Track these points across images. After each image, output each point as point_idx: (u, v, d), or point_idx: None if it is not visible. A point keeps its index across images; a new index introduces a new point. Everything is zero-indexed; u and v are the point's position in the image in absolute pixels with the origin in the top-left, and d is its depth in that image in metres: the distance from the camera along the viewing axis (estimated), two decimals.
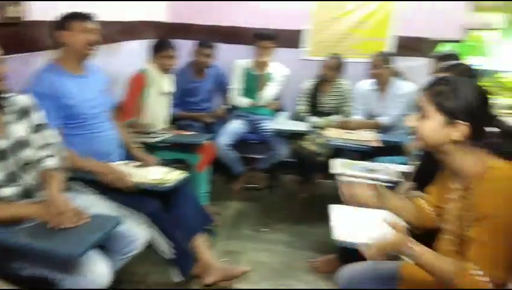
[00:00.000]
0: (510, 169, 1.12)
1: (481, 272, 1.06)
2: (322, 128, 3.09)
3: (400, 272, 1.38)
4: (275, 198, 3.27)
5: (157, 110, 2.71)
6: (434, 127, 1.18)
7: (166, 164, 2.21)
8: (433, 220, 1.40)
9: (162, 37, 2.94)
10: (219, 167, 3.17)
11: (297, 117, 3.29)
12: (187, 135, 2.76)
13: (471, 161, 1.17)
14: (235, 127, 3.23)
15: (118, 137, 2.13)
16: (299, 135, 3.06)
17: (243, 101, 3.32)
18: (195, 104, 3.27)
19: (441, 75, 2.05)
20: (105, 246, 1.51)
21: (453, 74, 1.87)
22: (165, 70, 2.68)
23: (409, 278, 1.35)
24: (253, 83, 3.28)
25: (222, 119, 3.35)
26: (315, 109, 3.24)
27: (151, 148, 2.47)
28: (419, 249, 1.17)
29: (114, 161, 2.02)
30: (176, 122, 3.03)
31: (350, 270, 1.49)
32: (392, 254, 1.22)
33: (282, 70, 3.29)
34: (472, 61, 2.56)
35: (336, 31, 3.39)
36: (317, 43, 3.42)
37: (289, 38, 3.42)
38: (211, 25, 3.55)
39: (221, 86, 3.43)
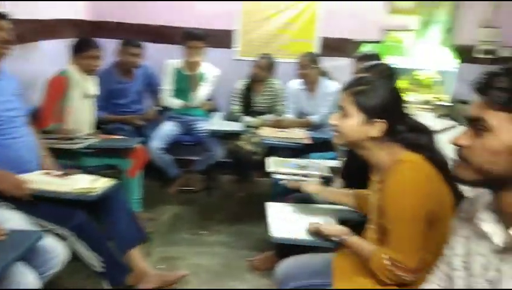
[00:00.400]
0: (417, 161, 1.21)
1: (387, 256, 1.16)
2: (256, 127, 3.13)
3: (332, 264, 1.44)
4: (212, 199, 3.23)
5: (81, 114, 2.54)
6: (354, 125, 1.26)
7: (93, 171, 2.08)
8: None
9: (84, 36, 2.76)
10: (152, 171, 3.07)
11: (231, 117, 3.29)
12: (116, 139, 2.62)
13: (386, 155, 1.27)
14: (168, 129, 3.14)
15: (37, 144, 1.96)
16: (234, 135, 3.06)
17: (175, 102, 3.23)
18: (124, 106, 3.12)
19: (363, 74, 2.20)
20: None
21: (373, 73, 2.01)
22: (89, 71, 2.51)
23: (340, 268, 1.40)
24: (185, 83, 3.21)
25: (153, 122, 3.24)
26: (249, 108, 3.27)
27: (75, 155, 2.30)
28: (350, 238, 1.34)
29: (33, 170, 1.85)
30: (103, 126, 2.87)
31: (287, 266, 1.51)
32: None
33: (213, 71, 3.26)
34: (391, 60, 2.74)
35: (265, 32, 3.45)
36: (248, 43, 3.45)
37: (220, 38, 3.41)
38: (138, 23, 3.41)
39: (151, 87, 3.31)
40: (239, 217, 2.92)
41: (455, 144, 0.81)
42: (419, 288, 1.06)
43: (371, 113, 1.24)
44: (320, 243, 1.45)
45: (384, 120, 1.23)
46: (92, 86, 2.58)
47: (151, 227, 2.61)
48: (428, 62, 3.27)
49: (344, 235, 1.36)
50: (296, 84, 3.19)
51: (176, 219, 2.87)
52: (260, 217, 2.84)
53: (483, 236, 0.83)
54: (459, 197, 1.28)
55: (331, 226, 1.44)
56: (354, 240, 1.33)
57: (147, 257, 2.36)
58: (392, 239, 1.19)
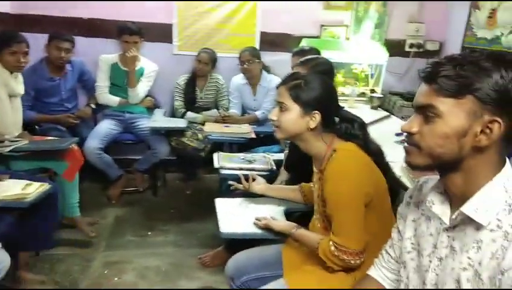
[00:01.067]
0: (350, 149, 1.30)
1: (332, 242, 1.22)
2: (200, 123, 3.09)
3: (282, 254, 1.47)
4: (157, 199, 3.13)
5: (8, 115, 2.31)
6: (293, 118, 1.32)
7: (24, 176, 1.93)
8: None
9: (7, 30, 2.52)
10: (92, 172, 2.90)
11: (174, 113, 3.22)
12: (48, 141, 2.42)
13: (323, 146, 1.34)
14: (106, 127, 2.98)
15: None
16: (178, 132, 2.99)
17: (112, 100, 3.08)
18: (55, 105, 2.90)
19: (300, 69, 2.27)
20: None
21: (310, 67, 2.07)
22: (14, 68, 2.29)
23: (289, 258, 1.44)
24: (122, 79, 3.06)
25: (89, 121, 3.06)
26: (192, 104, 3.20)
27: (4, 159, 2.11)
28: (296, 231, 1.39)
29: None
30: (33, 127, 2.66)
31: (237, 260, 1.53)
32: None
33: (151, 66, 3.14)
34: (328, 55, 2.84)
35: (204, 26, 3.37)
36: (187, 37, 3.37)
37: (158, 32, 3.29)
38: (67, 16, 3.18)
39: (84, 84, 3.13)
40: (187, 215, 2.87)
41: (405, 131, 0.84)
42: (367, 273, 1.11)
43: (307, 106, 1.30)
44: (269, 235, 1.47)
45: (319, 112, 1.30)
46: (18, 84, 2.36)
47: (93, 232, 2.48)
48: (362, 56, 3.44)
49: (292, 229, 1.40)
50: (239, 79, 3.19)
51: (120, 222, 2.75)
52: (208, 214, 2.83)
53: (433, 217, 0.89)
54: (393, 181, 1.39)
55: (279, 222, 1.46)
56: (301, 232, 1.39)
57: (91, 263, 2.26)
58: (335, 225, 1.24)
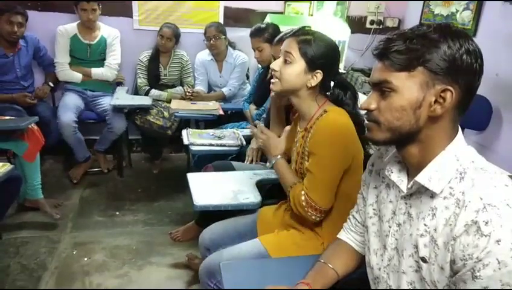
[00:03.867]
0: (340, 114, 1.31)
1: (303, 193, 1.28)
2: (166, 101, 3.04)
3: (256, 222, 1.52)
4: (124, 179, 3.07)
5: None
6: (297, 72, 1.31)
7: None
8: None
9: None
10: (54, 152, 2.80)
11: (137, 91, 3.13)
12: (5, 120, 2.31)
13: (315, 106, 1.35)
14: (75, 100, 2.88)
15: None
16: (143, 110, 2.93)
17: (76, 76, 2.95)
18: (10, 83, 2.74)
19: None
20: None
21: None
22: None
23: (263, 225, 1.50)
24: (84, 52, 2.94)
25: (47, 99, 2.93)
26: (156, 82, 3.12)
27: None
28: (281, 160, 1.44)
29: None
30: None
31: (211, 232, 1.55)
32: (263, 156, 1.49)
33: (112, 32, 3.02)
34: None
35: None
36: (148, 11, 3.25)
37: (118, 6, 3.15)
38: None
39: (41, 61, 2.96)
40: (155, 194, 2.85)
41: (365, 109, 0.87)
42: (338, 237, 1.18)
43: (312, 63, 1.29)
44: (241, 207, 1.50)
45: (322, 71, 1.30)
46: None
47: (57, 213, 2.42)
48: (326, 32, 3.48)
49: (279, 154, 1.46)
50: (204, 55, 3.14)
51: (85, 203, 2.69)
52: (177, 192, 2.85)
53: (392, 185, 0.95)
54: (366, 152, 1.44)
55: (270, 143, 1.50)
56: (283, 164, 1.44)
57: (58, 244, 2.21)
58: (311, 180, 1.28)
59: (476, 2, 2.77)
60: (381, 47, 0.82)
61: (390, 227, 0.92)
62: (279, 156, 1.45)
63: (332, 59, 1.33)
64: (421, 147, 0.84)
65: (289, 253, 1.33)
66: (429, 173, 0.82)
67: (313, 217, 1.28)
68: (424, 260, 0.82)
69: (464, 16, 2.91)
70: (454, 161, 0.81)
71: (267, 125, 2.06)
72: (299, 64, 1.30)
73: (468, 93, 0.80)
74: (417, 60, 0.78)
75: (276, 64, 1.35)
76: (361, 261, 1.13)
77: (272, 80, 1.39)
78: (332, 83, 1.41)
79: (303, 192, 1.28)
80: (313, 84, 1.31)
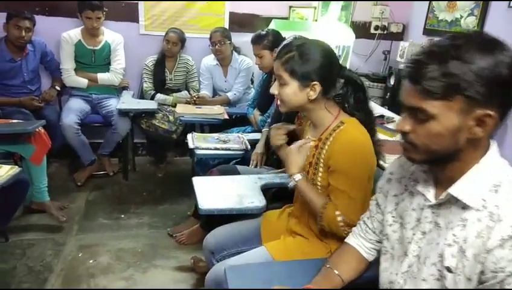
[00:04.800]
0: (358, 127, 1.28)
1: (340, 213, 1.23)
2: (171, 105, 3.06)
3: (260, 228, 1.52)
4: (129, 183, 3.08)
5: None
6: (293, 91, 1.28)
7: None
8: None
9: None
10: (60, 156, 2.83)
11: (143, 96, 3.16)
12: (12, 124, 2.34)
13: (328, 114, 1.32)
14: (79, 104, 2.91)
15: None
16: (148, 114, 2.95)
17: (81, 82, 2.98)
18: (18, 87, 2.79)
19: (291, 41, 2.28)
20: None
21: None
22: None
23: (268, 231, 1.49)
24: (89, 57, 2.97)
25: (54, 103, 2.97)
26: (162, 86, 3.15)
27: None
28: (302, 181, 1.32)
29: None
30: None
31: (216, 236, 1.55)
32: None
33: (116, 37, 3.05)
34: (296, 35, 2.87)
35: (171, 5, 3.29)
36: (154, 16, 3.28)
37: (124, 11, 3.18)
38: None
39: (48, 65, 3.00)
40: (160, 198, 2.86)
41: (400, 131, 0.85)
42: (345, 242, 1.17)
43: (304, 79, 1.26)
44: (246, 211, 1.50)
45: (319, 82, 1.26)
46: None
47: (63, 216, 2.44)
48: (330, 37, 3.50)
49: (300, 173, 1.34)
50: (209, 60, 3.17)
51: (91, 206, 2.71)
52: (182, 196, 2.87)
53: (416, 194, 0.93)
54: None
55: (295, 160, 1.36)
56: (305, 184, 1.33)
57: (64, 246, 2.23)
58: (344, 198, 1.23)
59: (481, 7, 2.78)
60: (413, 70, 0.78)
61: (414, 234, 0.92)
62: (299, 175, 1.34)
63: (324, 66, 1.27)
64: (456, 163, 0.83)
65: (295, 259, 1.32)
66: (463, 186, 0.81)
67: (346, 232, 1.23)
68: (449, 269, 0.82)
69: (468, 22, 2.92)
70: (489, 175, 0.80)
71: None
72: (292, 85, 1.27)
73: (508, 110, 0.78)
74: (454, 88, 0.74)
75: (274, 88, 1.33)
76: (367, 268, 1.14)
77: (278, 102, 1.38)
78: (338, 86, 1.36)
79: (338, 213, 1.23)
80: (314, 97, 1.27)
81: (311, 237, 1.38)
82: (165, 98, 3.08)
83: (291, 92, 1.29)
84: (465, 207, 0.81)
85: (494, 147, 0.83)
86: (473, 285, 0.78)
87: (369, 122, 1.33)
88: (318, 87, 1.27)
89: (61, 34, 2.93)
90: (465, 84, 0.73)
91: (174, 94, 3.16)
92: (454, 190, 0.82)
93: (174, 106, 2.98)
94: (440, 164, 0.85)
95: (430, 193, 0.89)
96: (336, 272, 1.10)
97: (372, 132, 1.31)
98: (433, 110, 0.77)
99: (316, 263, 1.18)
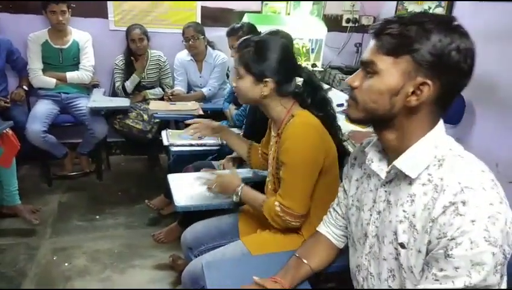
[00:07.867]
0: (307, 116, 1.31)
1: (278, 203, 1.28)
2: (144, 100, 3.01)
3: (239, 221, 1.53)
4: (103, 183, 3.03)
5: None
6: (247, 85, 1.33)
7: None
8: (262, 164, 1.65)
9: None
10: (30, 157, 2.75)
11: (115, 94, 3.09)
12: None
13: (282, 111, 1.36)
14: (46, 108, 2.81)
15: None
16: (121, 112, 2.90)
17: (49, 82, 2.89)
18: None
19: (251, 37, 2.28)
20: None
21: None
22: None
23: (245, 225, 1.51)
24: (56, 57, 2.88)
25: (22, 103, 2.86)
26: (136, 84, 3.09)
27: None
28: (244, 189, 1.41)
29: None
30: None
31: (194, 231, 1.55)
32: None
33: (83, 36, 2.97)
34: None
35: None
36: (124, 12, 3.20)
37: (92, 7, 3.09)
38: None
39: (14, 64, 2.90)
40: (137, 196, 2.82)
41: (349, 85, 0.87)
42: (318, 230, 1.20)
43: (258, 74, 1.30)
44: (223, 206, 1.51)
45: (272, 79, 1.29)
46: None
47: (36, 219, 2.37)
48: (303, 31, 3.52)
49: (237, 186, 1.41)
50: (183, 55, 3.12)
51: (64, 208, 2.65)
52: (157, 194, 2.83)
53: (372, 174, 0.97)
54: (342, 149, 1.46)
55: (224, 183, 1.45)
56: (247, 190, 1.41)
57: (37, 250, 2.17)
58: (284, 187, 1.29)
59: None
60: (378, 26, 0.82)
61: (371, 215, 0.94)
62: (239, 187, 1.41)
63: (280, 64, 1.29)
64: (398, 134, 0.85)
65: (271, 251, 1.33)
66: (407, 159, 0.83)
67: (292, 223, 1.29)
68: (402, 245, 0.84)
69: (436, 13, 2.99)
70: (433, 148, 0.82)
71: (248, 125, 2.08)
72: (246, 79, 1.32)
73: (450, 92, 0.80)
74: (405, 47, 0.77)
75: (232, 80, 1.38)
76: (338, 255, 1.17)
77: (236, 94, 1.42)
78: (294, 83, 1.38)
79: (276, 203, 1.28)
80: (266, 93, 1.31)
81: (287, 229, 1.39)
82: (133, 79, 3.01)
83: (245, 86, 1.33)
84: (411, 183, 0.83)
85: (440, 123, 0.85)
86: (422, 257, 0.80)
87: (330, 123, 1.36)
88: (271, 84, 1.30)
89: (29, 31, 2.82)
90: (416, 46, 0.76)
91: (147, 91, 3.10)
92: (398, 162, 0.85)
93: (148, 101, 2.93)
94: (379, 129, 0.88)
95: (383, 172, 0.91)
96: (305, 261, 1.13)
97: (333, 130, 1.36)
98: (380, 65, 0.80)
99: (291, 254, 1.19)
